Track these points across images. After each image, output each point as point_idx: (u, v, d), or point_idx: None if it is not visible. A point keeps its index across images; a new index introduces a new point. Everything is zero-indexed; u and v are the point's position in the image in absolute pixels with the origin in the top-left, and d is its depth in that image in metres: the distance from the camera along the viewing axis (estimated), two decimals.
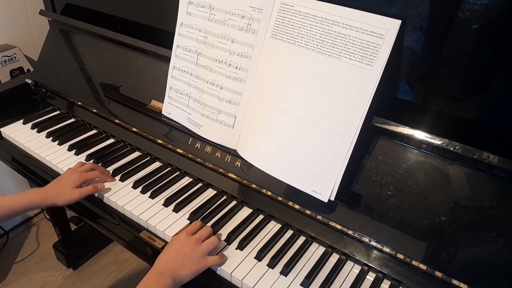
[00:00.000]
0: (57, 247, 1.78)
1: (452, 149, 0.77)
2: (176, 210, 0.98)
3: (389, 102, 0.85)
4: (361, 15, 0.78)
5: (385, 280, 0.82)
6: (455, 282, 0.76)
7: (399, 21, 0.75)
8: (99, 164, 1.12)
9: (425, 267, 0.78)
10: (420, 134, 0.80)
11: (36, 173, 1.20)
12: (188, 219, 0.96)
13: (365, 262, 0.84)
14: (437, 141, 0.78)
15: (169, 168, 1.12)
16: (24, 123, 1.32)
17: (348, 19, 0.79)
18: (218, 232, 0.93)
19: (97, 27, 1.29)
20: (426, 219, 0.79)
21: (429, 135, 0.79)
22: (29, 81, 1.40)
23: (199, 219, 0.95)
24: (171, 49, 1.08)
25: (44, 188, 1.02)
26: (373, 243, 0.83)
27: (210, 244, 0.85)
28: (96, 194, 1.05)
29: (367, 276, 0.83)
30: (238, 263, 0.85)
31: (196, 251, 0.83)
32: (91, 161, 1.14)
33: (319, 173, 0.85)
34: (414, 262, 0.79)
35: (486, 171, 0.75)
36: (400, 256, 0.81)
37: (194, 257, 0.82)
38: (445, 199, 0.78)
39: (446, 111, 0.82)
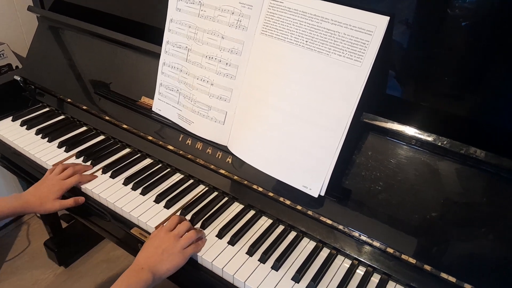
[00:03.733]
0: (48, 245, 1.77)
1: (440, 144, 0.78)
2: (168, 206, 0.98)
3: (378, 98, 0.86)
4: (350, 11, 0.78)
5: (375, 274, 0.83)
6: (444, 275, 0.77)
7: (388, 18, 0.75)
8: (89, 161, 1.12)
9: (414, 261, 0.79)
10: (409, 130, 0.81)
11: (26, 170, 1.20)
12: (180, 215, 0.96)
13: (355, 256, 0.85)
14: (425, 137, 0.79)
15: (160, 165, 1.12)
16: (13, 120, 1.31)
17: (337, 16, 0.80)
18: (209, 227, 0.93)
19: (87, 23, 1.28)
20: (415, 213, 0.80)
21: (417, 131, 0.80)
22: (18, 78, 1.38)
23: (191, 215, 0.95)
24: (161, 45, 1.08)
25: (24, 195, 1.02)
26: (363, 238, 0.84)
27: (188, 239, 0.86)
28: (84, 191, 1.05)
29: (357, 270, 0.84)
30: (229, 258, 0.86)
31: (175, 246, 0.84)
32: (81, 158, 1.14)
33: (309, 169, 0.86)
34: (403, 256, 0.80)
35: (474, 166, 0.76)
36: (390, 250, 0.82)
37: (174, 252, 0.84)
38: (434, 194, 0.79)
39: (435, 107, 0.83)
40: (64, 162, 1.12)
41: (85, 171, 1.09)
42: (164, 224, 0.93)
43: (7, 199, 1.00)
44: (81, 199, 1.04)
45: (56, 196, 1.01)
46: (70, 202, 1.02)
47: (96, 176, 1.08)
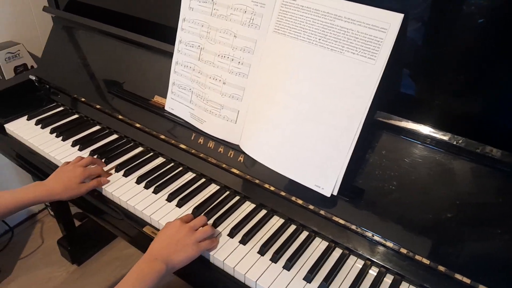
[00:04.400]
0: (62, 243, 1.79)
1: (455, 143, 0.76)
2: (180, 205, 0.99)
3: (392, 96, 0.85)
4: (363, 9, 0.78)
5: (387, 275, 0.82)
6: (458, 276, 0.76)
7: (402, 15, 0.74)
8: (103, 160, 1.13)
9: (428, 261, 0.78)
10: (423, 129, 0.79)
11: (40, 169, 1.21)
12: (191, 214, 0.96)
13: (368, 256, 0.84)
14: (440, 135, 0.78)
15: (172, 164, 1.12)
16: (28, 119, 1.33)
17: (350, 13, 0.79)
18: (221, 226, 0.93)
19: (100, 23, 1.29)
20: (429, 213, 0.79)
21: (432, 130, 0.79)
22: (33, 78, 1.40)
23: (202, 214, 0.95)
24: (173, 44, 1.08)
25: (46, 182, 1.02)
26: (376, 238, 0.83)
27: (203, 232, 0.86)
28: (100, 190, 1.06)
29: (370, 271, 0.83)
30: (241, 258, 0.85)
31: (190, 238, 0.84)
32: (95, 157, 1.14)
33: (322, 168, 0.85)
34: (417, 257, 0.79)
35: (490, 165, 0.75)
36: (403, 250, 0.81)
37: (188, 244, 0.83)
38: (448, 194, 0.78)
39: (450, 106, 0.82)
40: None
41: (103, 165, 1.11)
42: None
43: (30, 188, 1.00)
44: (104, 179, 1.05)
45: (79, 181, 1.02)
46: (94, 183, 1.03)
47: (111, 174, 1.09)
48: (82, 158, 1.09)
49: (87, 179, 1.04)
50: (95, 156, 1.15)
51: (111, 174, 1.09)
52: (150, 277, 0.78)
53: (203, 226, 0.89)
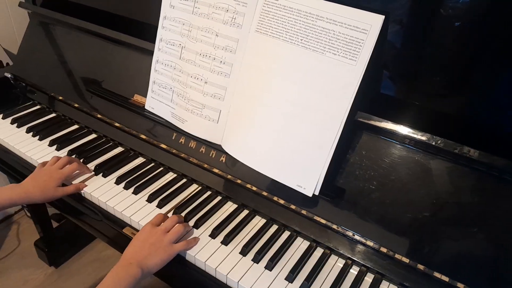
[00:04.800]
0: (38, 244, 1.75)
1: (434, 143, 0.78)
2: (160, 206, 0.97)
3: (372, 97, 0.86)
4: (345, 10, 0.78)
5: (368, 274, 0.83)
6: (437, 274, 0.77)
7: (383, 16, 0.75)
8: (81, 160, 1.11)
9: (408, 260, 0.79)
10: (403, 129, 0.80)
11: (16, 169, 1.18)
12: (173, 214, 0.95)
13: (349, 256, 0.84)
14: (419, 136, 0.79)
15: (152, 164, 1.11)
16: (3, 118, 1.29)
17: (332, 14, 0.79)
18: (203, 227, 0.92)
19: (78, 19, 1.27)
20: (408, 213, 0.80)
21: (411, 130, 0.80)
22: (8, 75, 1.37)
23: (184, 215, 0.94)
24: (154, 42, 1.07)
25: (23, 185, 1.00)
26: (357, 237, 0.84)
27: (175, 233, 0.86)
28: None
29: (351, 270, 0.84)
30: (223, 258, 0.85)
31: (162, 240, 0.84)
32: (73, 156, 1.12)
33: (303, 168, 0.85)
34: (397, 256, 0.80)
35: (467, 165, 0.77)
36: (384, 249, 0.81)
37: (161, 246, 0.83)
38: (427, 193, 0.79)
39: (429, 107, 0.83)
40: None
41: (81, 164, 1.08)
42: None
43: (5, 190, 0.97)
44: (83, 185, 1.03)
45: (57, 184, 1.00)
46: (71, 188, 1.01)
47: (91, 171, 1.07)
48: (59, 158, 1.06)
49: (67, 181, 1.02)
50: (73, 156, 1.12)
51: (91, 171, 1.07)
52: (126, 282, 0.77)
53: (175, 224, 0.89)
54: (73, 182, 1.04)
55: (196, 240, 0.88)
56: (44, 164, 1.05)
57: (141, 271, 0.79)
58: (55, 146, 1.17)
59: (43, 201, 1.00)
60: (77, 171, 1.05)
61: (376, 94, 0.86)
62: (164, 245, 0.83)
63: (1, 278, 1.70)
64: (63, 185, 1.02)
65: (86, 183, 1.04)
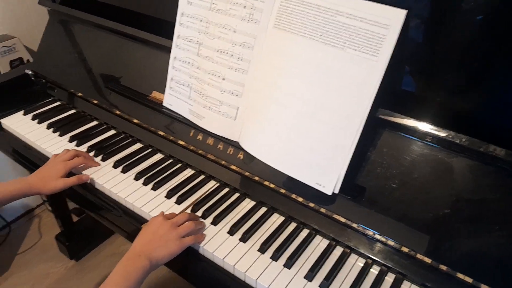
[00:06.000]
0: (59, 238, 1.78)
1: (458, 141, 0.76)
2: (179, 202, 0.98)
3: (394, 93, 0.84)
4: (366, 4, 0.76)
5: (389, 274, 0.82)
6: (460, 275, 0.75)
7: (405, 11, 0.73)
8: (100, 156, 1.12)
9: (430, 260, 0.78)
10: (425, 126, 0.79)
11: (37, 164, 1.19)
12: (191, 211, 0.95)
13: (369, 255, 0.83)
14: (442, 134, 0.77)
15: (171, 160, 1.11)
16: (24, 114, 1.31)
17: (352, 9, 0.78)
18: (221, 224, 0.92)
19: (97, 17, 1.27)
20: (431, 212, 0.78)
21: (435, 127, 0.78)
22: (29, 72, 1.38)
23: (202, 211, 0.94)
24: (172, 39, 1.07)
25: (29, 177, 1.03)
26: (377, 236, 0.83)
27: (186, 227, 0.86)
28: (96, 186, 1.05)
29: (371, 269, 0.83)
30: (241, 256, 0.85)
31: (172, 233, 0.84)
32: (92, 152, 1.13)
33: (322, 166, 0.84)
34: (418, 256, 0.79)
35: (493, 164, 0.74)
36: (405, 249, 0.80)
37: (171, 239, 0.83)
38: (450, 192, 0.77)
39: (452, 103, 0.81)
40: None
41: (89, 158, 1.10)
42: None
43: (11, 182, 1.00)
44: (85, 176, 1.04)
45: (59, 175, 1.02)
46: (73, 179, 1.02)
47: (99, 164, 1.09)
48: (69, 150, 1.08)
49: (78, 170, 1.06)
50: (93, 152, 1.13)
51: (98, 164, 1.09)
52: (134, 274, 0.78)
53: (187, 221, 0.89)
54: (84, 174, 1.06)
55: (204, 235, 0.88)
56: (56, 156, 1.08)
57: (150, 263, 0.80)
58: (75, 142, 1.18)
59: (46, 192, 1.03)
60: (83, 164, 1.07)
61: (398, 90, 0.84)
62: (174, 238, 0.83)
63: (23, 271, 1.74)
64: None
65: (106, 178, 1.04)
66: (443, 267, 0.76)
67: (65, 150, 1.09)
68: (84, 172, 1.07)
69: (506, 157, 0.72)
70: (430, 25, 0.78)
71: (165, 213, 0.91)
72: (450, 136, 0.76)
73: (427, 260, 0.78)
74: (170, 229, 0.84)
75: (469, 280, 0.74)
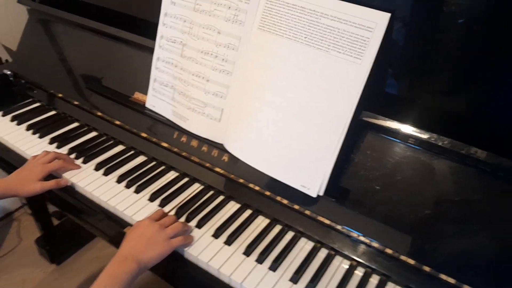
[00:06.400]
0: (39, 242, 1.74)
1: (440, 144, 0.77)
2: (162, 205, 0.96)
3: (378, 96, 0.84)
4: (350, 7, 0.77)
5: (373, 275, 0.82)
6: (443, 276, 0.76)
7: (389, 14, 0.74)
8: (81, 158, 1.10)
9: (413, 261, 0.78)
10: (408, 129, 0.79)
11: (16, 167, 1.16)
12: (175, 214, 0.94)
13: (354, 257, 0.83)
14: (425, 136, 0.78)
15: (154, 162, 1.10)
16: (3, 116, 1.28)
17: (336, 12, 0.78)
18: (205, 227, 0.91)
19: (78, 16, 1.25)
20: (414, 213, 0.79)
21: (417, 130, 0.79)
22: (8, 72, 1.35)
23: (186, 215, 0.93)
24: (155, 39, 1.05)
25: (6, 179, 1.01)
26: (362, 238, 0.83)
27: (174, 229, 0.85)
28: (76, 188, 1.03)
29: (356, 271, 0.83)
30: (226, 259, 0.84)
31: (160, 235, 0.83)
32: (73, 154, 1.11)
33: (307, 168, 0.84)
34: (402, 257, 0.79)
35: (474, 166, 0.75)
36: (389, 251, 0.80)
37: (158, 241, 0.82)
38: (432, 194, 0.78)
39: (435, 106, 0.82)
40: None
41: (69, 161, 1.08)
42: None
43: None
44: (64, 181, 1.02)
45: (37, 178, 1.00)
46: (51, 183, 1.00)
47: (80, 166, 1.07)
48: (48, 152, 1.06)
49: (58, 173, 1.04)
50: (74, 155, 1.11)
51: (79, 167, 1.07)
52: (122, 277, 0.77)
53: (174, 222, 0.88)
54: (65, 177, 1.04)
55: (192, 237, 0.88)
56: (34, 157, 1.05)
57: (138, 266, 0.78)
58: (55, 144, 1.16)
59: (23, 195, 1.01)
60: (62, 167, 1.04)
61: (382, 93, 0.85)
62: (162, 239, 0.82)
63: (2, 276, 1.70)
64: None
65: (87, 181, 1.02)
66: (427, 268, 0.77)
67: (44, 151, 1.07)
68: (64, 175, 1.04)
69: (488, 159, 0.73)
70: (413, 27, 0.78)
71: (153, 214, 0.90)
72: (433, 139, 0.77)
73: (411, 261, 0.78)
74: (157, 231, 0.83)
75: (452, 281, 0.75)
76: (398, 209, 0.81)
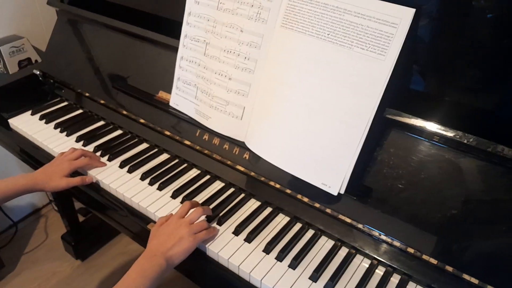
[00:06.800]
0: (66, 238, 1.79)
1: (466, 141, 0.75)
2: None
3: (402, 93, 0.83)
4: (374, 3, 0.76)
5: (394, 274, 0.81)
6: (466, 276, 0.74)
7: (413, 10, 0.73)
8: (106, 156, 1.12)
9: (436, 261, 0.77)
10: (433, 126, 0.78)
11: (44, 164, 1.20)
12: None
13: (375, 256, 0.82)
14: (450, 134, 0.76)
15: (176, 160, 1.11)
16: (32, 114, 1.32)
17: (360, 8, 0.77)
18: (226, 224, 0.92)
19: (105, 17, 1.28)
20: (437, 212, 0.78)
21: (442, 127, 0.77)
22: (37, 72, 1.39)
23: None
24: (179, 39, 1.07)
25: (34, 173, 1.04)
26: (383, 237, 0.82)
27: (199, 226, 0.86)
28: (101, 186, 1.05)
29: (377, 270, 0.82)
30: (246, 256, 0.84)
31: (185, 231, 0.84)
32: (99, 152, 1.14)
33: (328, 166, 0.84)
34: (424, 256, 0.78)
35: (501, 164, 0.73)
36: (411, 250, 0.79)
37: (184, 237, 0.83)
38: (457, 193, 0.77)
39: (460, 103, 0.80)
40: None
41: (95, 158, 1.11)
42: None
43: (15, 178, 1.02)
44: (89, 178, 1.05)
45: (63, 174, 1.03)
46: (77, 180, 1.03)
47: (105, 164, 1.10)
48: (75, 149, 1.09)
49: (84, 170, 1.07)
50: (99, 152, 1.14)
51: (104, 164, 1.09)
52: (151, 272, 0.78)
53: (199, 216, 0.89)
54: (90, 174, 1.06)
55: (216, 229, 0.89)
56: (62, 154, 1.08)
57: (166, 262, 0.80)
58: (82, 142, 1.19)
59: (49, 190, 1.04)
60: (88, 165, 1.07)
61: (406, 90, 0.84)
62: (188, 235, 0.84)
63: (29, 270, 1.75)
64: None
65: (112, 178, 1.05)
66: (449, 268, 0.76)
67: (71, 148, 1.10)
68: (90, 172, 1.07)
69: None
70: (439, 23, 0.77)
71: (180, 209, 0.90)
72: (458, 136, 0.75)
73: (433, 261, 0.77)
74: (185, 228, 0.85)
75: (475, 281, 0.74)
76: (422, 208, 0.79)
